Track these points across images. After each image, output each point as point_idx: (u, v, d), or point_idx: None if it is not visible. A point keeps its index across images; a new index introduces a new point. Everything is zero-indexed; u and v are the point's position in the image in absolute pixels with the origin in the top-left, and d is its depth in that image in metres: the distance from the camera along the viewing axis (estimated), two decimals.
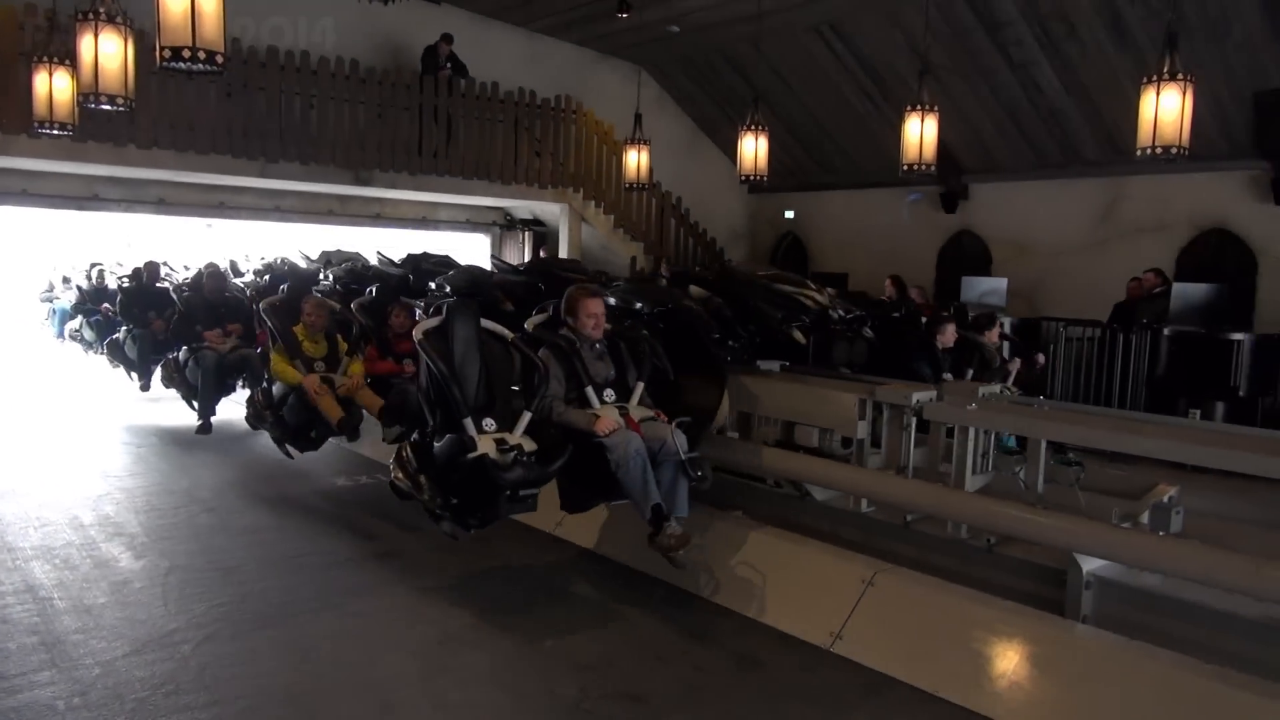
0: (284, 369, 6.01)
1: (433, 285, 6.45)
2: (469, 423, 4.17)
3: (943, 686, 3.65)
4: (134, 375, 9.46)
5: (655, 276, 10.24)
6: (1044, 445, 4.69)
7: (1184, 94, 5.73)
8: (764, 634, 4.21)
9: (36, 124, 6.71)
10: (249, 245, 13.03)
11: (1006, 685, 3.61)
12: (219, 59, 4.15)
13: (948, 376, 6.00)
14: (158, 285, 9.93)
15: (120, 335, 9.56)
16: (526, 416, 4.31)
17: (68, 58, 6.35)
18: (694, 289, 5.51)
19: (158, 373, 8.85)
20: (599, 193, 13.00)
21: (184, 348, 7.99)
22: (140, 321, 9.18)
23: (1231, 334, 8.64)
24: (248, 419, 6.54)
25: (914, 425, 4.85)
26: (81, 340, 11.43)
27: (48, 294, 13.80)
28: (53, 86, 6.54)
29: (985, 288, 11.29)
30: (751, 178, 8.79)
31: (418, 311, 6.39)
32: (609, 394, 4.49)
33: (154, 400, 9.69)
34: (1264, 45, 9.01)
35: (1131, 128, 6.04)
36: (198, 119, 10.12)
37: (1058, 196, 11.74)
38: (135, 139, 9.72)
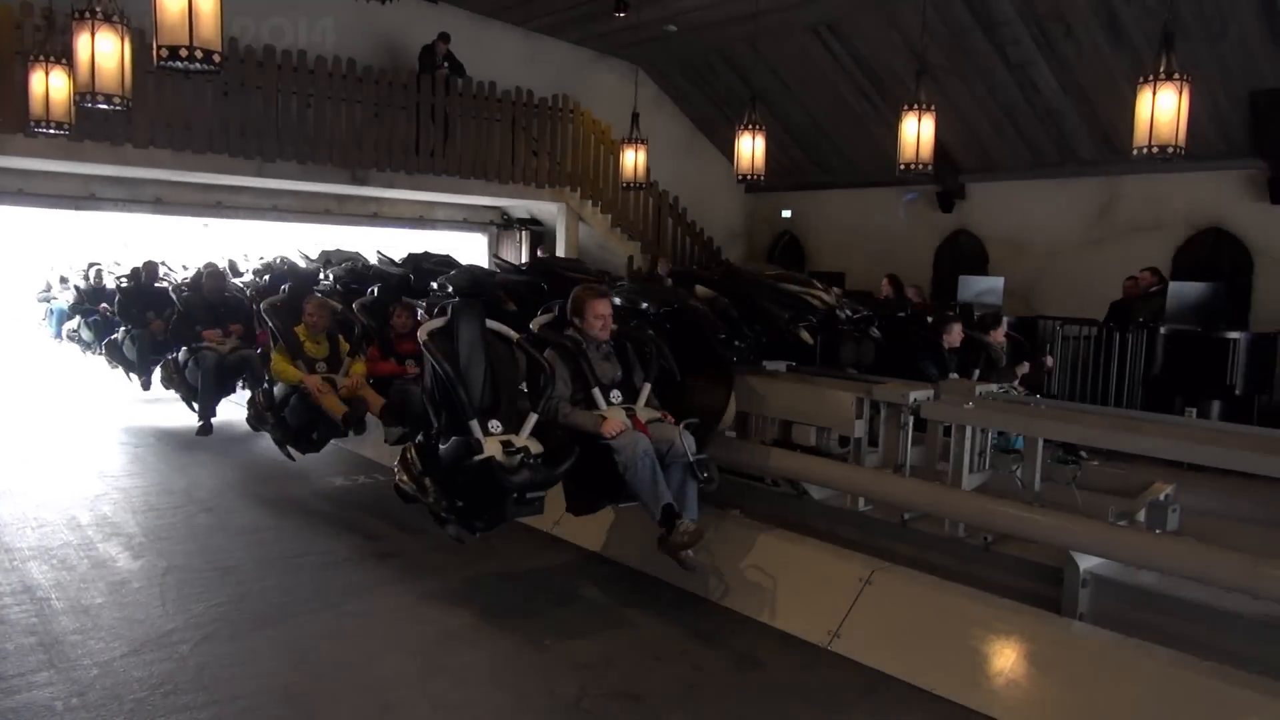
0: (285, 369, 5.97)
1: (434, 285, 6.42)
2: (475, 425, 4.11)
3: (940, 685, 3.66)
4: (132, 376, 9.44)
5: (652, 276, 10.27)
6: (1040, 444, 4.71)
7: (1180, 94, 5.74)
8: (762, 633, 4.22)
9: (33, 123, 6.70)
10: (246, 245, 13.00)
11: (1004, 683, 3.62)
12: (216, 58, 4.14)
13: (954, 376, 5.96)
14: (156, 285, 9.91)
15: (119, 336, 9.53)
16: (533, 418, 4.27)
17: (64, 57, 6.34)
18: (700, 289, 5.46)
19: (157, 373, 8.83)
20: (596, 192, 12.99)
21: (183, 348, 7.95)
22: (139, 322, 9.14)
23: (1227, 333, 8.66)
24: (249, 420, 6.51)
25: (911, 424, 4.86)
26: (79, 341, 11.38)
27: (45, 294, 13.75)
28: (49, 85, 6.54)
29: (982, 287, 11.30)
30: (749, 177, 8.81)
31: (420, 312, 6.35)
32: (616, 395, 4.45)
33: (152, 401, 9.68)
34: (1260, 45, 9.03)
35: (1128, 127, 6.05)
36: (195, 118, 10.10)
37: (1054, 196, 11.76)
38: (132, 138, 9.70)
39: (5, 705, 3.37)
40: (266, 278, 9.13)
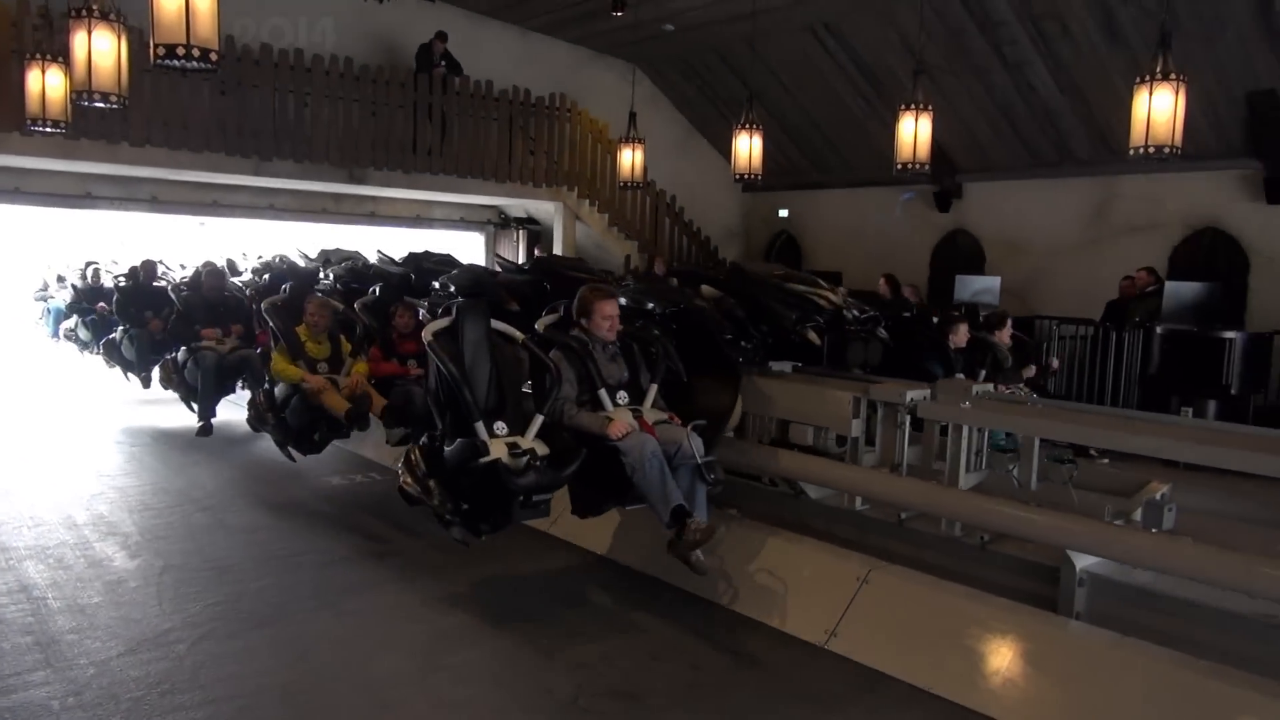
0: (285, 369, 5.93)
1: (435, 285, 6.38)
2: (480, 426, 4.07)
3: (937, 683, 3.67)
4: (130, 375, 9.42)
5: (649, 275, 10.26)
6: (1037, 443, 4.72)
7: (1177, 94, 5.76)
8: (759, 632, 4.22)
9: (29, 121, 6.70)
10: (244, 244, 12.98)
11: (1000, 682, 3.63)
12: (213, 57, 4.13)
13: (960, 377, 5.94)
14: (155, 284, 9.88)
15: (117, 335, 9.50)
16: (539, 420, 4.21)
17: (61, 55, 6.33)
18: (705, 289, 5.40)
19: (156, 372, 8.80)
20: (593, 191, 12.99)
21: (183, 348, 7.91)
22: (137, 321, 9.09)
23: (1223, 332, 8.68)
24: (249, 421, 6.44)
25: (908, 423, 4.86)
26: (77, 340, 11.35)
27: (42, 293, 13.71)
28: (45, 84, 6.53)
29: (979, 286, 11.32)
30: (746, 176, 8.82)
31: (422, 311, 6.30)
32: (622, 396, 4.39)
33: (149, 401, 9.67)
34: (1257, 46, 9.05)
35: (1125, 127, 6.06)
36: (191, 117, 10.10)
37: (1051, 195, 11.78)
38: (128, 137, 9.69)
39: (2, 704, 3.36)
40: (266, 277, 9.11)
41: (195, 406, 7.76)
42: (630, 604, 4.54)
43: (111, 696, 3.44)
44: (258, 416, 6.22)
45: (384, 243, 10.48)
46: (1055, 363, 8.12)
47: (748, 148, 8.63)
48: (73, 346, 11.63)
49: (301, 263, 9.63)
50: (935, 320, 6.66)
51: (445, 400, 4.23)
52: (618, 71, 13.64)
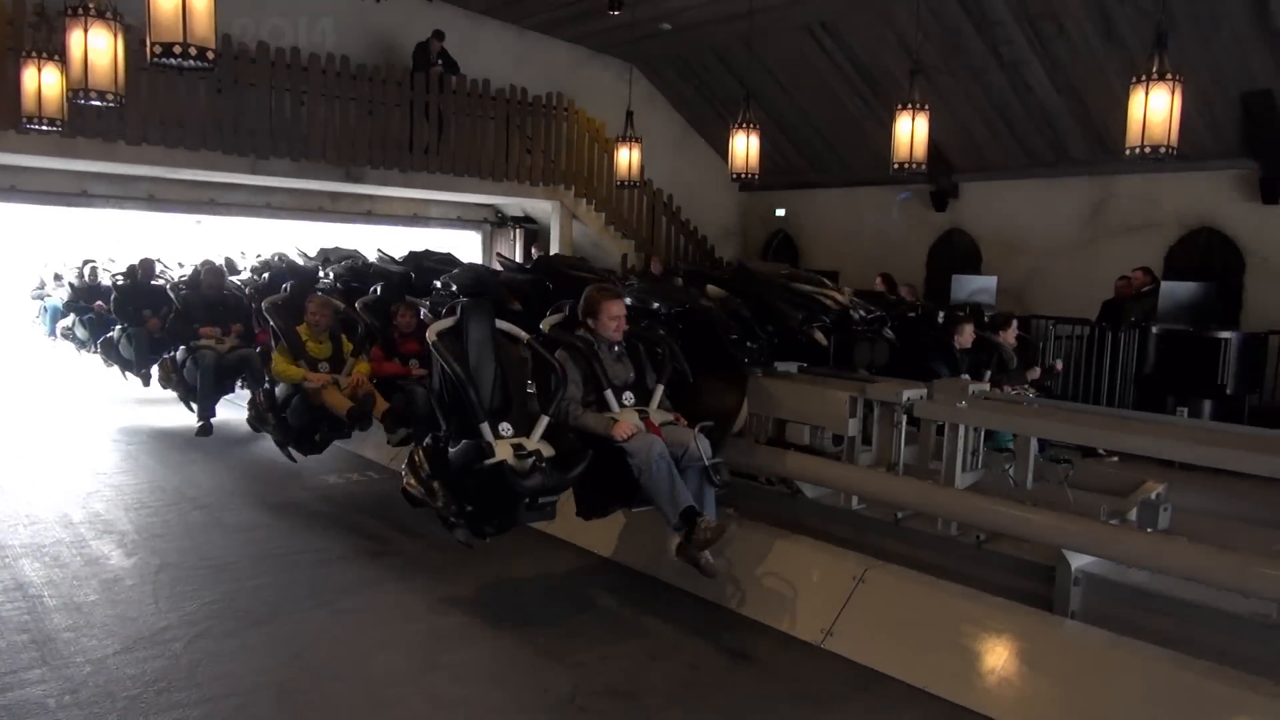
0: (286, 368, 5.89)
1: (437, 284, 6.34)
2: (486, 427, 4.02)
3: (933, 682, 3.68)
4: (129, 374, 9.40)
5: (645, 274, 10.26)
6: (1033, 443, 4.73)
7: (1173, 94, 5.78)
8: (756, 631, 4.23)
9: (25, 119, 6.67)
10: (241, 242, 12.96)
11: (996, 681, 3.64)
12: (210, 55, 4.12)
13: (965, 378, 5.93)
14: (153, 283, 9.85)
15: (115, 334, 9.48)
16: (544, 421, 4.16)
17: (57, 53, 6.32)
18: (711, 289, 5.36)
19: (155, 371, 8.78)
20: (590, 190, 12.99)
21: (181, 347, 7.87)
22: (135, 320, 9.04)
23: (1219, 332, 8.70)
24: (249, 421, 6.41)
25: (904, 423, 4.87)
26: (74, 339, 11.33)
27: (39, 291, 13.69)
28: (42, 82, 6.51)
29: (975, 286, 11.33)
30: (743, 175, 8.82)
31: (423, 311, 6.25)
32: (628, 397, 4.34)
33: (147, 400, 9.66)
34: (1252, 46, 9.07)
35: (1121, 127, 6.07)
36: (188, 115, 10.08)
37: (1047, 195, 11.79)
38: (125, 135, 9.68)
39: None
40: (265, 276, 9.08)
41: (194, 406, 7.74)
42: (627, 603, 4.54)
43: (108, 695, 3.44)
44: (258, 417, 6.19)
45: (381, 241, 10.47)
46: (1059, 364, 8.12)
47: (745, 147, 8.64)
48: (70, 345, 11.62)
49: (301, 261, 9.61)
50: (941, 321, 6.63)
51: (450, 401, 4.17)
52: (615, 70, 13.64)
